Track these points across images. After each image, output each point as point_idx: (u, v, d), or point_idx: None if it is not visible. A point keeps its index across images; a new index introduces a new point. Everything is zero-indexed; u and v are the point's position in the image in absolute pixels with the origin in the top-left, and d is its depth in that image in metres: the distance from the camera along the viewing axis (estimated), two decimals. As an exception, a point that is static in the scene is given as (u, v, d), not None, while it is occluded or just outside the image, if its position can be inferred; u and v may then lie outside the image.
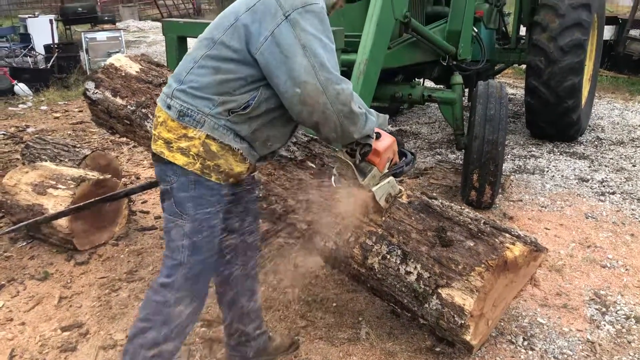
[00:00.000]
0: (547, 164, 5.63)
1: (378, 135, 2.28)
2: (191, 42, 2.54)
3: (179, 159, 1.99)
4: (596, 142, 6.41)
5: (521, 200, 4.67)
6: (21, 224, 3.32)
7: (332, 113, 1.92)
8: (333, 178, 2.32)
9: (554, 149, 6.14)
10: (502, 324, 2.96)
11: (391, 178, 2.52)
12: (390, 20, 3.89)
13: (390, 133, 2.46)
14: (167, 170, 2.03)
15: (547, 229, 4.13)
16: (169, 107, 2.00)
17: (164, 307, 2.09)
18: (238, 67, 1.94)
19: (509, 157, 5.84)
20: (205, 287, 2.18)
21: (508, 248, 2.49)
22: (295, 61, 1.85)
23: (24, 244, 3.88)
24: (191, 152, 1.98)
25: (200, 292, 2.16)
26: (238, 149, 2.02)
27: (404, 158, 2.51)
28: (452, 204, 2.78)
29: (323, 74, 1.87)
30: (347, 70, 3.84)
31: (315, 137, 3.18)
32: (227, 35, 1.94)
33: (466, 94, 6.55)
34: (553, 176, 5.28)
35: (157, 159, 2.07)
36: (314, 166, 2.90)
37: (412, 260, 2.57)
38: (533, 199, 4.71)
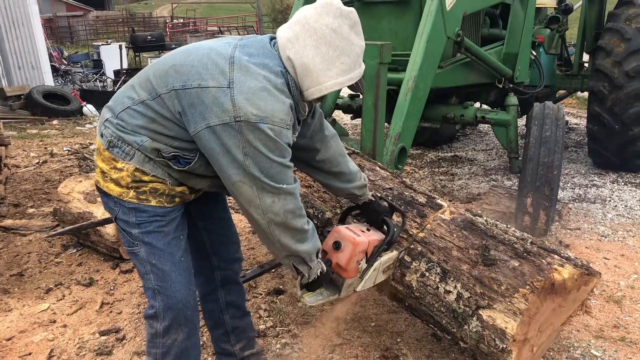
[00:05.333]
0: (609, 193, 5.34)
1: (338, 245, 2.17)
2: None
3: (113, 190, 1.91)
4: (666, 173, 6.04)
5: (579, 229, 4.43)
6: (65, 229, 3.42)
7: (262, 218, 1.84)
8: (306, 298, 2.13)
9: (618, 179, 5.82)
10: (551, 353, 2.77)
11: (379, 260, 2.33)
12: (441, 38, 3.83)
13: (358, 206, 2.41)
14: (109, 201, 1.97)
15: (606, 258, 3.88)
16: (102, 135, 1.92)
17: (157, 339, 2.04)
18: (176, 128, 1.84)
19: (568, 185, 5.58)
20: (187, 307, 2.05)
21: (556, 270, 2.33)
22: (235, 160, 1.76)
23: (74, 251, 4.00)
24: (122, 183, 1.90)
25: (184, 314, 2.04)
26: (171, 183, 1.94)
27: (387, 230, 2.34)
28: (498, 222, 2.65)
29: (258, 182, 1.79)
30: (395, 89, 3.80)
31: (357, 150, 3.14)
32: (168, 97, 1.81)
33: (524, 120, 6.37)
34: (616, 206, 4.99)
35: (97, 189, 2.01)
36: (354, 179, 2.84)
37: (452, 278, 2.45)
38: (592, 228, 4.45)
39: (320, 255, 2.07)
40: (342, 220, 2.54)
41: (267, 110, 1.74)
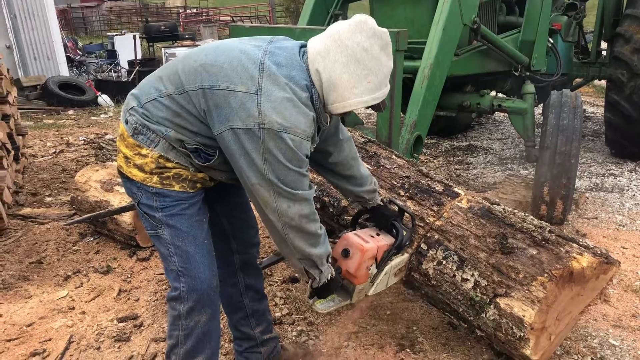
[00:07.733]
0: (627, 182, 5.27)
1: (347, 253, 2.19)
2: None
3: (137, 175, 1.94)
4: (685, 162, 5.95)
5: (596, 218, 4.38)
6: (83, 217, 3.45)
7: (278, 221, 1.88)
8: (318, 305, 2.17)
9: (636, 167, 5.74)
10: (568, 342, 2.75)
11: (389, 264, 2.36)
12: (457, 25, 3.79)
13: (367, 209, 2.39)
14: (132, 186, 1.99)
15: (624, 248, 3.84)
16: (126, 121, 1.95)
17: (179, 321, 2.07)
18: (199, 124, 1.87)
19: (585, 174, 5.53)
20: (211, 289, 2.08)
21: (575, 258, 2.31)
22: (254, 163, 1.79)
23: (91, 239, 4.04)
24: (146, 169, 1.92)
25: (208, 295, 2.07)
26: (193, 170, 1.97)
27: (396, 234, 2.35)
28: (515, 210, 2.63)
29: (275, 187, 1.82)
30: (411, 77, 3.77)
31: (373, 139, 3.13)
32: (194, 95, 1.84)
33: (541, 109, 6.30)
34: (634, 195, 4.93)
35: (120, 174, 2.03)
36: (370, 167, 2.84)
37: (469, 266, 2.44)
38: (610, 217, 4.40)
39: (330, 260, 2.09)
40: (353, 225, 2.54)
41: (292, 120, 1.77)
